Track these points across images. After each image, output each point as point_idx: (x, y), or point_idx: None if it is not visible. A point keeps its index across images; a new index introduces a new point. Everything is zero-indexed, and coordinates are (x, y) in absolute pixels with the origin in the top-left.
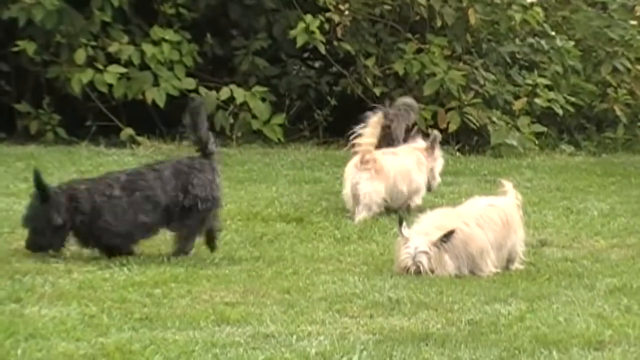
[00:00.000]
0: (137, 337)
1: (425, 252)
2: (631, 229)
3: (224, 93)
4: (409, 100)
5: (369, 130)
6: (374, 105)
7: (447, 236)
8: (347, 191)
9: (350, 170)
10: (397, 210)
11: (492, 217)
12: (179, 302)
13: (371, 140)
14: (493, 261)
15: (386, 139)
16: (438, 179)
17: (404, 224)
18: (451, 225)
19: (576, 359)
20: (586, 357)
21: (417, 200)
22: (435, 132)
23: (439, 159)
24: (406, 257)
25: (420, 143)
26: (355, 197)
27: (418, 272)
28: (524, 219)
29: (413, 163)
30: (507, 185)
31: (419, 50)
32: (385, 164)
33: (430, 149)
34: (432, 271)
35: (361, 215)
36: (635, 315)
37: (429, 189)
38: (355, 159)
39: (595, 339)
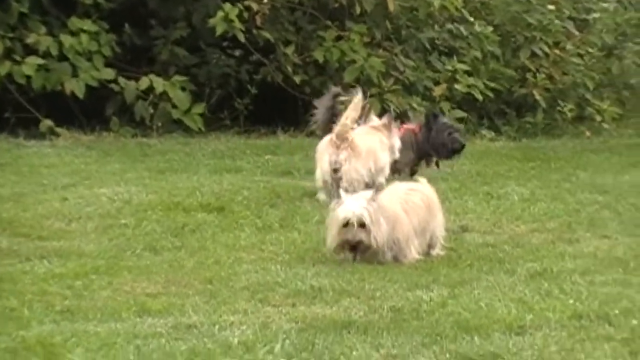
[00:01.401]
0: (59, 329)
1: (365, 207)
2: (551, 213)
3: (144, 83)
4: (333, 90)
5: (350, 111)
6: (302, 94)
7: (376, 195)
8: (324, 169)
9: (327, 149)
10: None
11: (415, 202)
12: (100, 293)
13: (350, 120)
14: (416, 247)
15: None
16: (397, 155)
17: (341, 191)
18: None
19: (497, 344)
20: (507, 341)
21: (382, 179)
22: (390, 112)
23: (395, 135)
24: (345, 211)
25: (375, 121)
26: (337, 176)
27: (362, 224)
28: (444, 205)
29: (377, 142)
30: (422, 181)
31: (338, 38)
32: (359, 142)
33: (388, 127)
34: (369, 225)
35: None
36: (555, 299)
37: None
38: (327, 138)
39: (516, 323)
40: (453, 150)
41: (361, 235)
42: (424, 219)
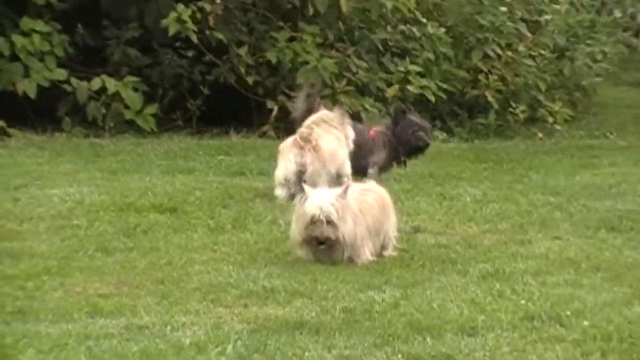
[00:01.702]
0: (10, 330)
1: (333, 203)
2: (503, 214)
3: (96, 83)
4: (309, 81)
5: (316, 118)
6: (255, 95)
7: (346, 192)
8: (289, 167)
9: (292, 149)
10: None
11: (369, 202)
12: (52, 294)
13: (313, 124)
14: (370, 248)
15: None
16: (351, 146)
17: (304, 184)
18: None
19: (450, 344)
20: (459, 342)
21: (348, 171)
22: (344, 106)
23: (349, 127)
24: (312, 207)
25: (326, 114)
26: (301, 176)
27: (329, 221)
28: (397, 206)
29: (334, 140)
30: (372, 182)
31: (291, 39)
32: (322, 142)
33: (341, 120)
34: (335, 220)
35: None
36: (507, 300)
37: None
38: (292, 138)
39: (468, 324)
40: (417, 148)
41: (329, 232)
42: (378, 220)
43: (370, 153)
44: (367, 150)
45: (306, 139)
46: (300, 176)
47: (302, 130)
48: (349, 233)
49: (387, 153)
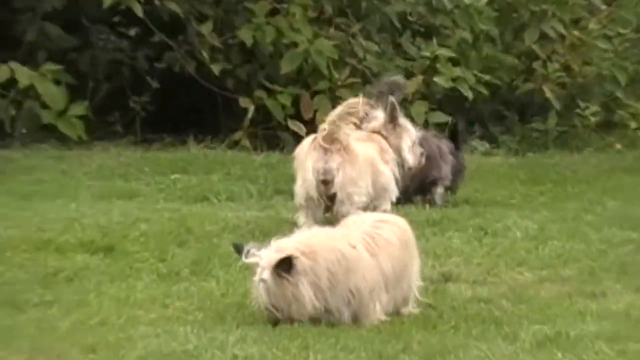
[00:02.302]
0: None
1: (264, 280)
2: (567, 255)
3: (3, 73)
4: (397, 78)
5: (341, 109)
6: (223, 89)
7: (284, 264)
8: (308, 180)
9: (310, 154)
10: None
11: (386, 238)
12: None
13: (339, 118)
14: (384, 303)
15: None
16: (409, 158)
17: (245, 250)
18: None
19: None
20: None
21: (386, 205)
22: (391, 98)
23: (405, 131)
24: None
25: (379, 117)
26: (327, 189)
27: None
28: (420, 243)
29: (375, 151)
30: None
31: (273, 12)
32: (355, 145)
33: (390, 122)
34: (276, 308)
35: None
36: None
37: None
38: (310, 138)
39: None
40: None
41: (277, 316)
42: (400, 263)
43: (436, 167)
44: (431, 163)
45: (332, 139)
46: (326, 189)
47: (325, 126)
48: (303, 307)
49: (451, 167)
